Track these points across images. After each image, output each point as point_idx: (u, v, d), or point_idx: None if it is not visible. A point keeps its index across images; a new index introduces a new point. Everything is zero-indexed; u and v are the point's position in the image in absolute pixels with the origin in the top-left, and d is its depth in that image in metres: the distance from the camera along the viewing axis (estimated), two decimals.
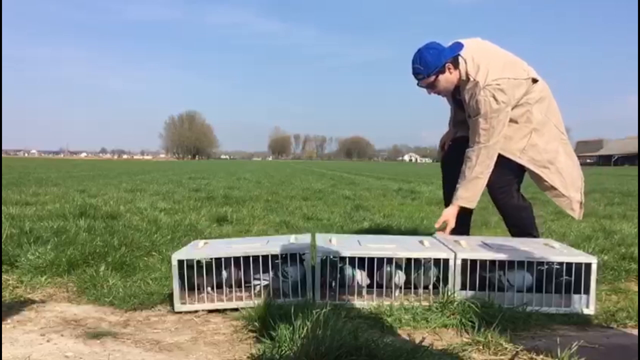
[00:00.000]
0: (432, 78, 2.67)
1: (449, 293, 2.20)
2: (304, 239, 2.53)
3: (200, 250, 2.40)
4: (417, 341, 1.78)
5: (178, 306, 2.23)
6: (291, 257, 2.32)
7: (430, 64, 2.63)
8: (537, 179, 2.80)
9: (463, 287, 2.27)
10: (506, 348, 1.77)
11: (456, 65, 2.65)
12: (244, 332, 1.97)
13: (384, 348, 1.59)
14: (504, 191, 2.83)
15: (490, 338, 1.81)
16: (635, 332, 2.02)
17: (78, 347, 1.81)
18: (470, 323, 1.99)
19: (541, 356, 1.72)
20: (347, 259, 2.31)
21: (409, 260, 2.30)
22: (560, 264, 2.27)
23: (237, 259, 2.29)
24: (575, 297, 2.25)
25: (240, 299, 2.28)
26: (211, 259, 2.33)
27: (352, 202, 7.13)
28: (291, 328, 1.68)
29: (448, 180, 2.98)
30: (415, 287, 2.31)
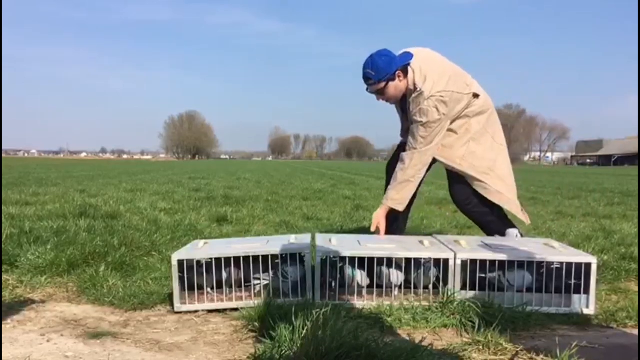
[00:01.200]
0: (382, 84, 2.72)
1: (449, 293, 2.20)
2: (304, 239, 2.53)
3: (200, 250, 2.40)
4: (417, 341, 1.78)
5: (178, 306, 2.23)
6: (291, 257, 2.32)
7: (381, 70, 2.68)
8: (482, 188, 2.83)
9: (463, 287, 2.27)
10: (506, 348, 1.77)
11: (406, 74, 2.72)
12: (244, 332, 1.97)
13: (384, 348, 1.59)
14: (469, 202, 2.90)
15: (490, 338, 1.81)
16: (635, 332, 2.02)
17: (78, 347, 1.81)
18: (470, 323, 1.99)
19: (541, 356, 1.72)
20: (347, 259, 2.31)
21: (408, 260, 2.30)
22: (560, 263, 2.27)
23: (237, 259, 2.29)
24: (575, 297, 2.25)
25: (240, 299, 2.28)
26: (211, 259, 2.33)
27: (352, 202, 7.13)
28: (291, 328, 1.68)
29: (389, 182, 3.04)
30: (415, 287, 2.31)
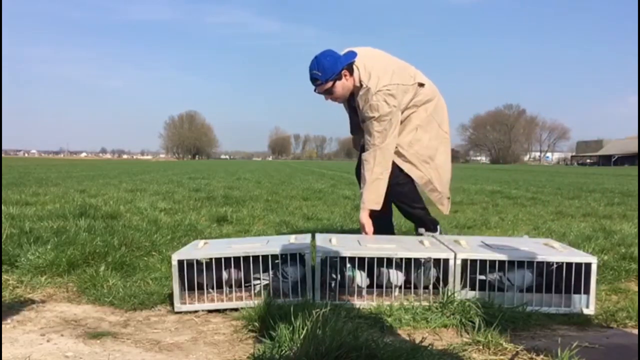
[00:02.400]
0: (330, 84, 2.75)
1: (449, 293, 2.20)
2: (304, 239, 2.53)
3: (200, 250, 2.40)
4: (417, 341, 1.78)
5: (178, 306, 2.23)
6: (291, 257, 2.32)
7: (327, 70, 2.71)
8: (418, 176, 2.91)
9: (463, 287, 2.27)
10: (506, 348, 1.77)
11: (351, 72, 2.76)
12: (244, 332, 1.97)
13: (383, 348, 1.59)
14: (406, 205, 3.02)
15: (490, 338, 1.81)
16: (635, 332, 2.02)
17: (78, 347, 1.81)
18: (470, 323, 1.99)
19: (541, 356, 1.72)
20: (347, 259, 2.31)
21: (408, 260, 2.30)
22: (560, 263, 2.27)
23: (237, 259, 2.29)
24: (575, 297, 2.25)
25: (240, 299, 2.28)
26: (211, 259, 2.33)
27: (352, 202, 7.13)
28: (291, 328, 1.68)
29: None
30: (415, 287, 2.31)
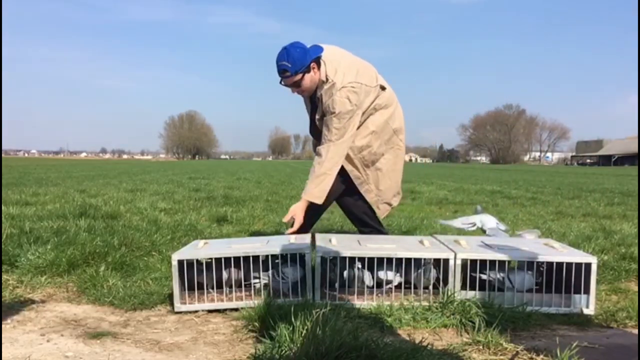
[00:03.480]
0: (299, 76, 2.70)
1: (449, 293, 2.20)
2: (304, 239, 2.53)
3: (200, 250, 2.40)
4: (417, 341, 1.78)
5: (178, 306, 2.23)
6: (291, 257, 2.32)
7: (297, 62, 2.65)
8: (355, 175, 2.91)
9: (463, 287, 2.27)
10: (506, 348, 1.77)
11: (319, 65, 2.73)
12: (244, 332, 1.97)
13: (383, 348, 1.59)
14: (362, 218, 3.00)
15: (490, 338, 1.81)
16: (635, 332, 2.02)
17: (78, 347, 1.81)
18: (470, 323, 1.99)
19: (541, 356, 1.72)
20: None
21: (408, 260, 2.30)
22: (560, 263, 2.27)
23: (237, 259, 2.29)
24: (575, 297, 2.25)
25: (240, 299, 2.28)
26: (211, 259, 2.33)
27: None
28: (291, 328, 1.68)
29: None
30: (415, 287, 2.31)
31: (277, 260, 2.35)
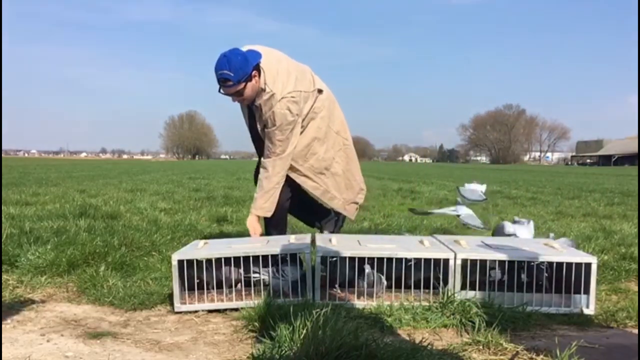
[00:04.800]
0: (242, 85, 2.59)
1: (449, 293, 2.20)
2: (304, 239, 2.53)
3: (200, 250, 2.40)
4: (417, 341, 1.78)
5: (178, 306, 2.23)
6: (291, 257, 2.32)
7: (240, 70, 2.55)
8: (312, 187, 2.88)
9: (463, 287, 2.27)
10: (506, 348, 1.77)
11: (259, 73, 2.64)
12: (244, 332, 1.97)
13: (384, 348, 1.59)
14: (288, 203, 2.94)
15: (490, 338, 1.81)
16: (635, 332, 2.02)
17: (78, 347, 1.81)
18: (470, 323, 2.00)
19: (541, 356, 1.72)
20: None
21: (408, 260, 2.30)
22: (560, 263, 2.27)
23: (237, 258, 2.29)
24: (576, 297, 2.25)
25: (240, 299, 2.28)
26: (211, 259, 2.33)
27: None
28: (291, 328, 1.68)
29: None
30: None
31: (276, 261, 2.35)
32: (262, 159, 2.83)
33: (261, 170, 2.81)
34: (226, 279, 2.31)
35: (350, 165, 3.00)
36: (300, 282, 2.29)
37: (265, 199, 2.76)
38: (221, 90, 2.62)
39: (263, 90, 2.65)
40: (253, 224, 2.80)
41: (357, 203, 3.07)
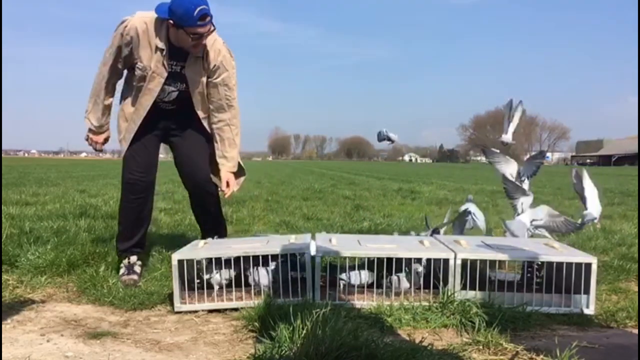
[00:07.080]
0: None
1: (449, 293, 2.20)
2: (304, 238, 2.53)
3: (200, 250, 2.40)
4: (417, 341, 1.78)
5: (178, 306, 2.23)
6: (291, 257, 2.32)
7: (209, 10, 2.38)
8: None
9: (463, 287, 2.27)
10: (506, 348, 1.77)
11: None
12: (244, 332, 1.97)
13: (384, 348, 1.59)
14: (210, 184, 2.82)
15: (490, 338, 1.81)
16: (635, 332, 2.02)
17: (78, 347, 1.81)
18: (470, 323, 1.99)
19: (541, 356, 1.72)
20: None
21: (408, 260, 2.30)
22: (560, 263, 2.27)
23: (237, 258, 2.29)
24: (576, 297, 2.25)
25: (240, 299, 2.28)
26: (211, 259, 2.33)
27: (352, 202, 7.13)
28: (291, 328, 1.68)
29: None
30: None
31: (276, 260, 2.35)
32: (216, 113, 2.71)
33: (230, 127, 2.74)
34: (226, 279, 2.31)
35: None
36: (300, 282, 2.28)
37: (237, 155, 2.80)
38: (194, 32, 2.36)
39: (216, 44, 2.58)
40: (228, 177, 2.77)
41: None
